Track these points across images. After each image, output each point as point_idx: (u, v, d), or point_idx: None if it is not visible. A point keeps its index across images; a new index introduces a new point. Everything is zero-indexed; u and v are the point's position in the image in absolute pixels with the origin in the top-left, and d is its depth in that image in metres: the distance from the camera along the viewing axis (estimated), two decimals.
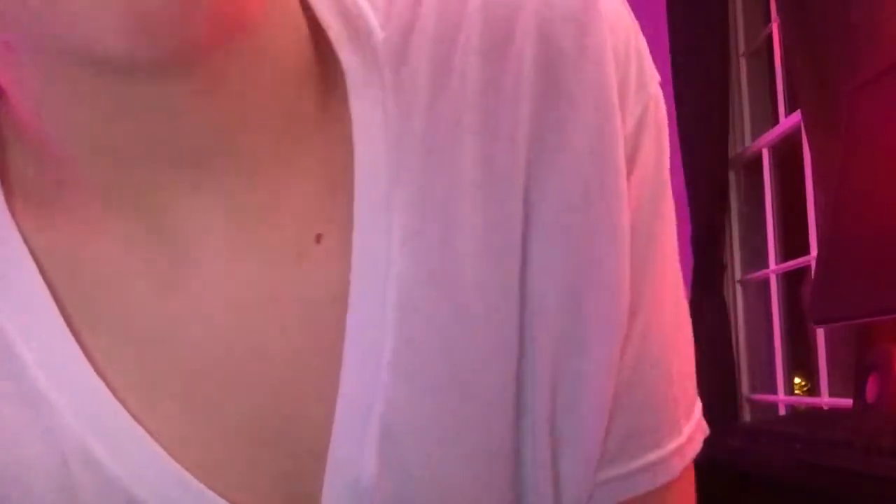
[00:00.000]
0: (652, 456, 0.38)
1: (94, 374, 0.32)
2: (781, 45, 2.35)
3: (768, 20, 2.53)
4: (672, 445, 0.39)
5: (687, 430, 0.40)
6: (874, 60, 1.51)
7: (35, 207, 0.33)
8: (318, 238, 0.33)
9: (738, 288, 2.62)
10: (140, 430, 0.32)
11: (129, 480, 0.31)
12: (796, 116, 2.13)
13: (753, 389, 2.55)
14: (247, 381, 0.33)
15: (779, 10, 2.02)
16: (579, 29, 0.33)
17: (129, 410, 0.32)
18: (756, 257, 2.59)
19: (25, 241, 0.32)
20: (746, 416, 2.54)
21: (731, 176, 2.65)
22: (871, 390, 1.46)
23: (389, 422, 0.32)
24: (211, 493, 0.32)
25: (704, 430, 0.41)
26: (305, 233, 0.33)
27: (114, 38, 0.24)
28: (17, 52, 0.27)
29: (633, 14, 0.38)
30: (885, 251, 1.13)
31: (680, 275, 0.40)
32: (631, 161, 0.36)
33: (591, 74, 0.33)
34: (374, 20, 0.34)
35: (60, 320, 0.31)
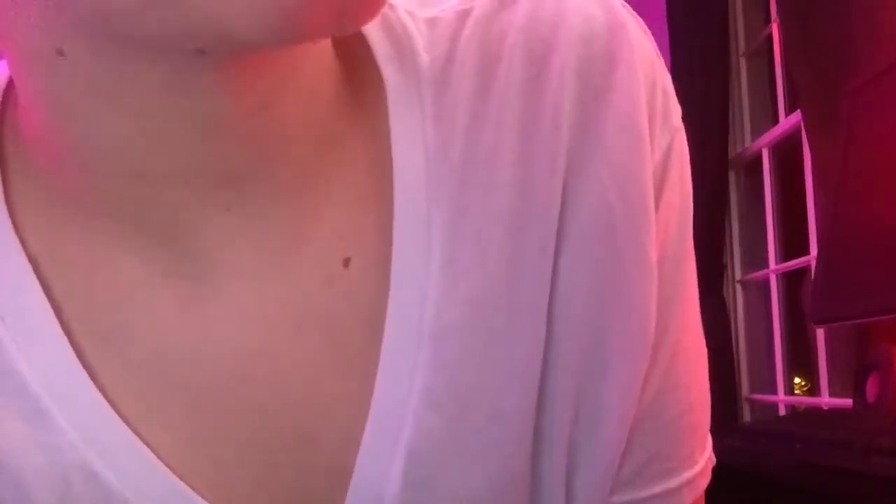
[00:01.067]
0: (666, 484, 0.39)
1: (95, 389, 0.31)
2: (781, 45, 2.35)
3: (768, 20, 2.53)
4: (686, 475, 0.40)
5: (701, 461, 0.41)
6: (874, 60, 1.51)
7: (39, 221, 0.32)
8: (346, 262, 0.33)
9: (738, 288, 2.62)
10: (141, 446, 0.31)
11: (131, 496, 0.31)
12: (796, 116, 2.13)
13: (753, 389, 2.55)
14: (260, 401, 0.32)
15: (779, 10, 2.02)
16: (612, 65, 0.34)
17: (132, 426, 0.31)
18: (756, 257, 2.59)
19: (28, 254, 0.32)
20: (746, 416, 2.54)
21: (731, 176, 2.65)
22: (871, 390, 1.46)
23: (416, 444, 0.32)
24: None
25: (713, 460, 0.42)
26: (334, 256, 0.33)
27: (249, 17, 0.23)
28: (71, 59, 0.26)
29: (641, 23, 0.38)
30: (885, 251, 1.12)
31: (698, 304, 0.41)
32: (659, 190, 0.37)
33: (623, 109, 0.34)
34: (419, 42, 0.34)
35: (62, 336, 0.31)
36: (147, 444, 0.32)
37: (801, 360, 2.45)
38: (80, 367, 0.31)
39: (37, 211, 0.32)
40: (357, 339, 0.33)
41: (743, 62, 2.68)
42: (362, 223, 0.33)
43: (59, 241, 0.32)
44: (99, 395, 0.31)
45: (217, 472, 0.32)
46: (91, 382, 0.31)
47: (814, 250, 2.05)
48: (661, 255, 0.37)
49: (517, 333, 0.34)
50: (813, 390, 2.26)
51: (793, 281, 2.43)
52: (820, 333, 2.00)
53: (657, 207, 0.36)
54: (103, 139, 0.29)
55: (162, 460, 0.31)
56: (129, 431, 0.31)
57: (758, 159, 2.54)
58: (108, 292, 0.32)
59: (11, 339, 0.31)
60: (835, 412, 1.92)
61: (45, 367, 0.31)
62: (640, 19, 0.37)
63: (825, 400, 2.07)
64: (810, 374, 2.33)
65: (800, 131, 1.97)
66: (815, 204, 2.01)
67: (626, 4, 0.37)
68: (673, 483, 0.39)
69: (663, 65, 0.37)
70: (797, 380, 2.59)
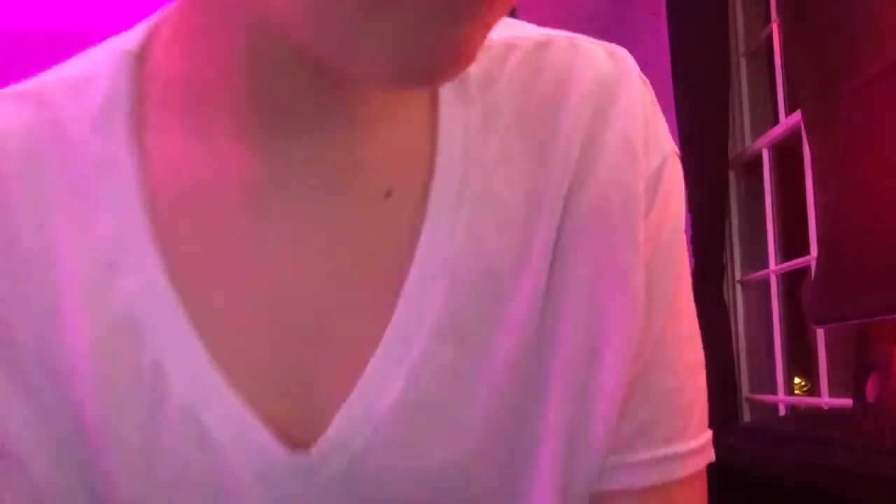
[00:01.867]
0: (653, 452, 0.43)
1: (175, 294, 0.38)
2: (781, 45, 2.35)
3: (768, 20, 2.53)
4: (676, 448, 0.44)
5: (695, 442, 0.45)
6: (874, 60, 1.51)
7: (165, 143, 0.39)
8: (388, 194, 0.40)
9: (738, 288, 2.62)
10: (194, 338, 0.38)
11: (193, 396, 0.38)
12: (796, 116, 2.13)
13: (753, 389, 2.55)
14: (308, 306, 0.39)
15: (779, 10, 2.02)
16: (617, 96, 0.44)
17: (199, 325, 0.38)
18: (756, 257, 2.59)
19: (142, 162, 0.39)
20: (746, 416, 2.54)
21: (731, 176, 2.64)
22: (871, 390, 1.46)
23: (419, 369, 0.38)
24: (243, 407, 0.38)
25: (711, 454, 0.46)
26: (380, 188, 0.40)
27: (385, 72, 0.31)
28: (251, 37, 0.35)
29: (640, 73, 0.46)
30: (885, 251, 1.12)
31: (693, 304, 0.47)
32: (652, 195, 0.44)
33: (622, 131, 0.43)
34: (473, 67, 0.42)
35: (149, 235, 0.38)
36: (211, 343, 0.38)
37: (801, 360, 2.45)
38: (166, 275, 0.38)
39: (160, 127, 0.40)
40: (387, 262, 0.40)
41: (743, 62, 2.68)
42: (406, 170, 0.41)
43: (172, 156, 0.39)
44: (183, 312, 0.38)
45: (252, 357, 0.39)
46: (175, 294, 0.38)
47: (814, 250, 2.05)
48: (653, 250, 0.43)
49: (520, 290, 0.40)
50: (813, 390, 2.26)
51: (793, 281, 2.43)
52: (820, 333, 2.00)
53: (650, 211, 0.43)
54: (249, 86, 0.37)
55: (218, 359, 0.38)
56: (199, 340, 0.38)
57: (758, 159, 2.54)
58: (203, 205, 0.39)
59: (112, 262, 0.38)
60: (835, 412, 1.92)
61: (137, 278, 0.38)
62: (639, 69, 0.46)
63: (825, 400, 2.07)
64: (810, 374, 2.33)
65: (800, 131, 1.97)
66: (815, 204, 2.01)
67: (630, 57, 0.46)
68: (660, 452, 0.43)
69: (657, 105, 0.46)
70: (797, 380, 2.59)
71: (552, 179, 0.42)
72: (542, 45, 0.44)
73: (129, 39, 0.41)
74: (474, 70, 0.42)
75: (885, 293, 1.11)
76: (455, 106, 0.42)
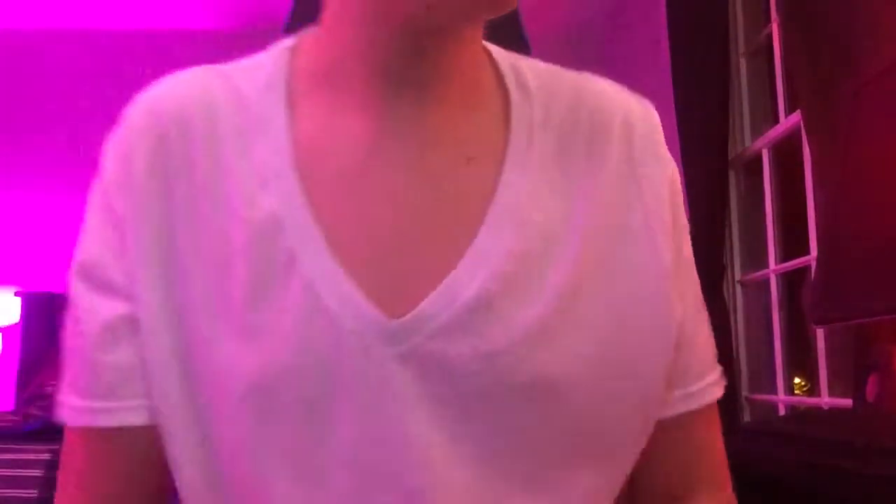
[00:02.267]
0: (700, 384, 0.60)
1: (308, 203, 0.52)
2: (781, 45, 2.35)
3: (768, 20, 2.53)
4: (712, 377, 0.62)
5: (716, 373, 0.62)
6: (874, 60, 1.51)
7: (309, 105, 0.55)
8: (469, 161, 0.55)
9: (738, 288, 2.62)
10: (320, 236, 0.51)
11: (315, 275, 0.50)
12: (796, 116, 2.13)
13: (753, 389, 2.55)
14: (409, 222, 0.53)
15: (779, 10, 2.02)
16: (641, 126, 0.60)
17: (322, 226, 0.51)
18: (756, 257, 2.59)
19: (291, 117, 0.55)
20: (746, 416, 2.54)
21: (731, 176, 2.65)
22: (871, 390, 1.46)
23: (491, 278, 0.51)
24: (355, 290, 0.50)
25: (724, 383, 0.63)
26: (463, 154, 0.55)
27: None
28: (369, 24, 0.53)
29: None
30: (885, 251, 1.12)
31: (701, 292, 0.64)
32: (673, 193, 0.60)
33: (649, 148, 0.60)
34: (531, 80, 0.59)
35: (292, 162, 0.53)
36: (331, 239, 0.51)
37: (801, 360, 2.45)
38: (300, 188, 0.52)
39: (304, 95, 0.56)
40: (468, 206, 0.53)
41: (743, 62, 2.68)
42: (484, 144, 0.55)
43: (312, 115, 0.55)
44: (311, 216, 0.52)
45: (375, 258, 0.52)
46: (306, 199, 0.52)
47: (814, 250, 2.05)
48: (679, 229, 0.60)
49: (567, 236, 0.54)
50: (813, 390, 2.26)
51: (793, 281, 2.43)
52: (820, 333, 2.00)
53: (674, 200, 0.60)
54: (376, 60, 0.54)
55: (337, 251, 0.51)
56: (322, 236, 0.51)
57: (758, 159, 2.54)
58: (332, 148, 0.54)
59: (256, 166, 0.53)
60: (835, 412, 1.92)
61: (280, 187, 0.52)
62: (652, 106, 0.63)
63: (825, 400, 2.07)
64: (810, 374, 2.33)
65: (800, 131, 1.97)
66: (815, 204, 2.01)
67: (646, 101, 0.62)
68: (704, 382, 0.61)
69: (661, 128, 0.62)
70: (797, 380, 2.59)
71: (596, 169, 0.57)
72: (586, 76, 0.62)
73: (289, 41, 0.59)
74: (533, 81, 0.59)
75: (885, 293, 1.11)
76: (521, 102, 0.57)
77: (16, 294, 3.91)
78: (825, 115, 1.72)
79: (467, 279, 0.51)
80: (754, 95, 2.64)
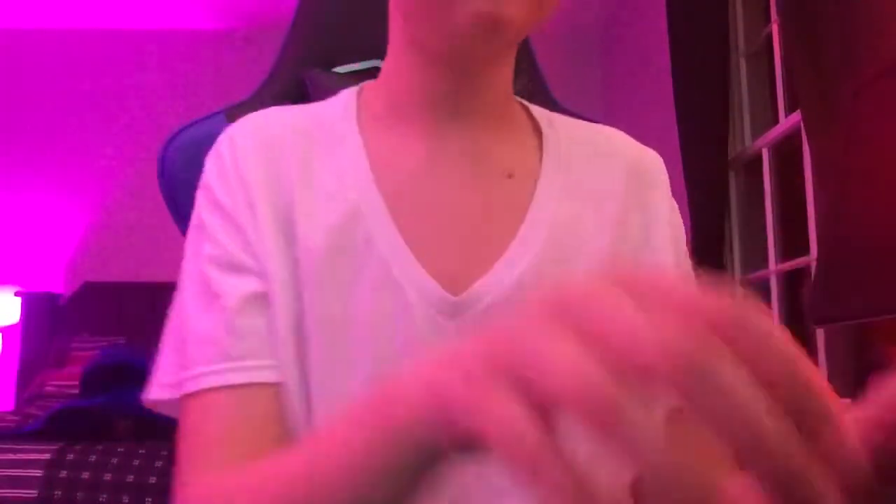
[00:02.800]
0: None
1: (382, 200, 0.63)
2: (781, 45, 2.35)
3: (768, 20, 2.53)
4: None
5: None
6: (874, 60, 1.51)
7: (374, 131, 0.67)
8: (510, 175, 0.67)
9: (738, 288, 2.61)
10: (393, 226, 0.62)
11: (389, 257, 0.61)
12: (796, 116, 2.13)
13: None
14: (461, 220, 0.64)
15: (779, 10, 2.02)
16: (648, 165, 0.72)
17: (395, 217, 0.62)
18: (756, 257, 2.59)
19: (366, 147, 0.66)
20: None
21: (731, 176, 2.65)
22: (870, 391, 1.46)
23: (532, 264, 0.62)
24: (416, 263, 0.62)
25: None
26: (504, 170, 0.67)
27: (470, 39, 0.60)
28: (416, 61, 0.66)
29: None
30: (885, 251, 1.12)
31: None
32: (673, 221, 0.72)
33: (655, 181, 0.71)
34: (559, 124, 0.72)
35: (367, 167, 0.65)
36: (402, 227, 0.62)
37: None
38: (378, 192, 0.64)
39: (370, 123, 0.68)
40: (510, 210, 0.65)
41: (743, 62, 2.68)
42: (522, 164, 0.68)
43: (379, 137, 0.67)
44: (385, 208, 0.63)
45: (438, 247, 0.63)
46: (382, 199, 0.63)
47: (814, 250, 2.05)
48: (678, 261, 0.70)
49: (586, 252, 0.66)
50: None
51: (793, 281, 2.43)
52: (820, 333, 2.00)
53: (673, 230, 0.71)
54: (423, 88, 0.66)
55: (410, 243, 0.62)
56: (395, 227, 0.62)
57: (758, 159, 2.54)
58: (397, 162, 0.66)
59: (338, 174, 0.65)
60: None
61: (362, 190, 0.64)
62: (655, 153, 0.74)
63: None
64: None
65: (800, 131, 1.97)
66: (815, 204, 2.01)
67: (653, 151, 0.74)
68: None
69: (667, 175, 0.72)
70: None
71: (615, 196, 0.68)
72: (599, 125, 0.75)
73: (354, 87, 0.72)
74: (559, 122, 0.72)
75: (885, 293, 1.11)
76: (551, 135, 0.71)
77: (16, 294, 3.91)
78: (825, 115, 1.71)
79: (511, 266, 0.62)
80: (754, 95, 2.64)
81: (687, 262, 0.71)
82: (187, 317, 0.62)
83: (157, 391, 0.63)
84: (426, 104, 0.66)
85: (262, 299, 0.61)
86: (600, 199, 0.68)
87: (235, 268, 0.62)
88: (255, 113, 0.70)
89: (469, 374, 0.32)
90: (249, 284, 0.61)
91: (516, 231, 0.64)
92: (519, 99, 0.73)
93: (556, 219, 0.65)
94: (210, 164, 0.67)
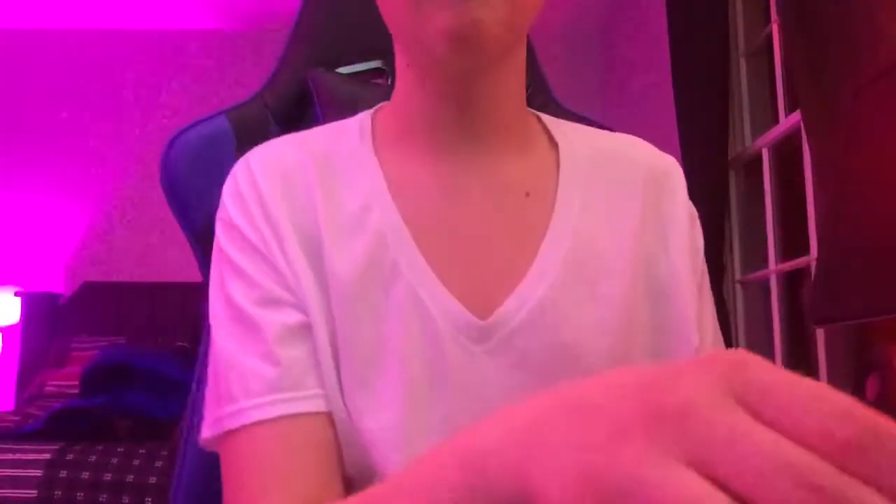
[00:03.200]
0: None
1: (405, 225, 0.63)
2: (781, 45, 2.35)
3: (768, 20, 2.53)
4: None
5: None
6: (874, 60, 1.51)
7: (387, 153, 0.67)
8: (527, 194, 0.66)
9: (738, 288, 2.62)
10: (418, 251, 0.62)
11: (416, 283, 0.61)
12: (796, 116, 2.13)
13: None
14: (483, 242, 0.64)
15: (779, 10, 2.02)
16: (662, 173, 0.71)
17: (418, 242, 0.63)
18: (756, 257, 2.59)
19: (382, 169, 0.66)
20: None
21: (731, 176, 2.65)
22: (871, 390, 1.46)
23: (554, 284, 0.62)
24: (439, 284, 0.62)
25: None
26: (522, 189, 0.66)
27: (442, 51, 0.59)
28: (414, 81, 0.65)
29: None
30: (885, 251, 1.12)
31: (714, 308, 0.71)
32: (691, 228, 0.71)
33: (672, 189, 0.70)
34: (571, 134, 0.71)
35: (388, 192, 0.64)
36: (426, 252, 0.62)
37: (801, 360, 2.45)
38: (400, 216, 0.64)
39: (386, 147, 0.68)
40: (530, 230, 0.65)
41: (743, 62, 2.68)
42: (539, 182, 0.67)
43: (394, 159, 0.67)
44: (409, 233, 0.63)
45: (455, 269, 0.63)
46: (405, 223, 0.63)
47: (814, 250, 2.05)
48: (695, 267, 0.69)
49: (610, 267, 0.65)
50: None
51: (793, 281, 2.43)
52: (820, 333, 2.00)
53: (693, 237, 0.71)
54: (424, 110, 0.66)
55: (430, 262, 0.62)
56: (416, 245, 0.63)
57: (758, 159, 2.54)
58: (416, 188, 0.65)
59: (361, 198, 0.64)
60: None
61: (384, 214, 0.64)
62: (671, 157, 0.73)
63: None
64: (810, 374, 2.33)
65: (800, 131, 1.97)
66: (815, 204, 2.01)
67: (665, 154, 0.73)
68: None
69: (684, 180, 0.72)
70: None
71: (632, 206, 0.68)
72: (616, 134, 0.75)
73: (369, 111, 0.72)
74: (575, 137, 0.71)
75: (885, 293, 1.11)
76: (567, 149, 0.69)
77: (16, 294, 3.91)
78: (825, 115, 1.72)
79: (534, 287, 0.62)
80: (754, 95, 2.64)
81: (703, 275, 0.70)
82: (228, 354, 0.60)
83: (206, 430, 0.60)
84: (435, 128, 0.65)
85: (304, 329, 0.60)
86: (619, 212, 0.67)
87: (274, 302, 0.61)
88: (270, 142, 0.69)
89: (639, 447, 0.27)
90: (290, 316, 0.60)
91: (537, 250, 0.64)
92: (531, 110, 0.72)
93: (576, 236, 0.65)
94: (230, 199, 0.65)
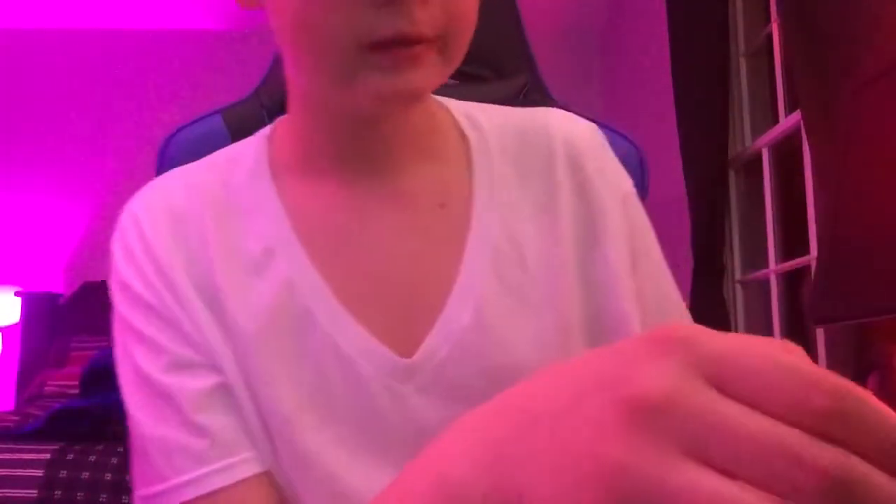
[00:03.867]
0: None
1: (315, 269, 0.58)
2: (781, 45, 2.35)
3: (768, 20, 2.53)
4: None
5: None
6: (874, 60, 1.51)
7: (292, 176, 0.62)
8: (442, 205, 0.62)
9: (738, 288, 2.62)
10: (331, 295, 0.58)
11: (332, 330, 0.57)
12: (796, 116, 2.13)
13: None
14: (400, 270, 0.59)
15: (779, 10, 2.02)
16: (586, 146, 0.65)
17: (330, 283, 0.58)
18: (756, 257, 2.59)
19: (282, 202, 0.61)
20: None
21: (731, 176, 2.64)
22: (871, 390, 1.46)
23: (479, 308, 0.58)
24: (352, 322, 0.58)
25: None
26: (436, 201, 0.62)
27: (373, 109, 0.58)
28: (319, 110, 0.60)
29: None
30: (884, 251, 1.12)
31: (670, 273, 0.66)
32: (624, 206, 0.64)
33: (600, 169, 0.64)
34: (483, 121, 0.66)
35: (293, 234, 0.59)
36: (339, 293, 0.58)
37: None
38: (306, 254, 0.59)
39: (287, 175, 0.62)
40: (448, 245, 0.60)
41: (743, 62, 2.67)
42: (453, 189, 0.62)
43: (297, 193, 0.61)
44: (319, 275, 0.58)
45: (370, 301, 0.58)
46: (310, 262, 0.58)
47: (814, 250, 2.05)
48: (633, 236, 0.63)
49: (539, 256, 0.61)
50: None
51: (793, 281, 2.43)
52: (820, 333, 2.00)
53: (628, 217, 0.64)
54: (332, 140, 0.61)
55: (344, 302, 0.58)
56: (329, 288, 0.58)
57: (758, 159, 2.53)
58: (321, 220, 0.60)
59: (261, 241, 0.59)
60: None
61: (290, 261, 0.59)
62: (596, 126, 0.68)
63: None
64: None
65: (800, 131, 1.97)
66: (815, 204, 2.01)
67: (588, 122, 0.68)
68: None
69: (607, 146, 0.66)
70: None
71: (554, 194, 0.63)
72: (535, 109, 0.68)
73: (265, 130, 0.66)
74: (486, 122, 0.66)
75: (885, 293, 1.11)
76: (478, 141, 0.65)
77: (16, 294, 3.91)
78: (825, 115, 1.71)
79: (458, 310, 0.58)
80: (754, 95, 2.64)
81: (655, 255, 0.65)
82: (147, 429, 0.55)
83: None
84: (342, 154, 0.61)
85: (222, 390, 0.56)
86: (541, 205, 0.63)
87: (185, 367, 0.56)
88: (155, 182, 0.64)
89: (637, 443, 0.27)
90: (206, 379, 0.56)
91: (459, 266, 0.59)
92: (438, 99, 0.66)
93: (497, 243, 0.60)
94: (120, 257, 0.61)
